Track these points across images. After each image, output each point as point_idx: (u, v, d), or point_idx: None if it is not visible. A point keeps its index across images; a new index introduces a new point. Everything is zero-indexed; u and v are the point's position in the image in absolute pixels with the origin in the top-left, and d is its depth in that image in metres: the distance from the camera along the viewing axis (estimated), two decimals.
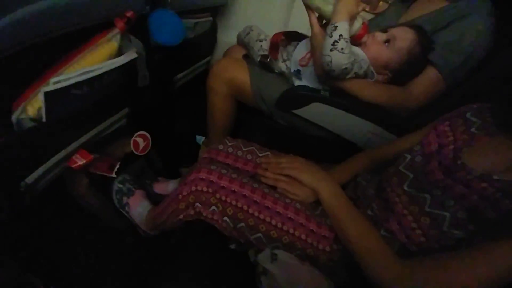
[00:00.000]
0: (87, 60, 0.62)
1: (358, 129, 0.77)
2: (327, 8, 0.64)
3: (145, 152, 0.82)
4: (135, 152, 0.79)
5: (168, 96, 0.95)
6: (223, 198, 0.49)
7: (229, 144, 0.65)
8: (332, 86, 0.74)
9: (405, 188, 0.47)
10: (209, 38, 1.17)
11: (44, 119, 0.55)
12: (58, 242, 0.70)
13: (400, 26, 0.71)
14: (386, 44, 0.69)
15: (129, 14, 0.63)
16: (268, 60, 0.83)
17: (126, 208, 0.71)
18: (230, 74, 0.82)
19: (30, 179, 0.56)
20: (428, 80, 0.68)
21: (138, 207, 0.69)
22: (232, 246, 0.50)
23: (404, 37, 0.67)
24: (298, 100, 0.77)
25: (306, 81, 0.80)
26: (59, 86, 0.54)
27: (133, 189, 0.73)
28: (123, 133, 0.79)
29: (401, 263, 0.40)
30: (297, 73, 0.80)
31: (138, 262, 0.67)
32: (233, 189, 0.49)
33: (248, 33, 0.91)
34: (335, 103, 0.73)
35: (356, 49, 0.69)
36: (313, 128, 0.82)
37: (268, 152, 0.66)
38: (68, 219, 0.73)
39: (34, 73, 0.53)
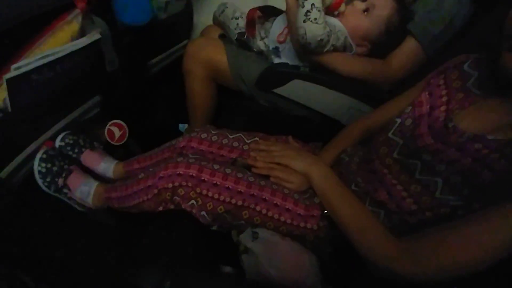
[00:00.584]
0: (48, 44, 0.58)
1: (339, 105, 0.75)
2: None
3: (122, 142, 0.78)
4: (111, 142, 0.76)
5: (143, 82, 0.90)
6: (204, 192, 0.47)
7: (214, 132, 0.62)
8: (312, 61, 0.72)
9: (395, 155, 0.45)
10: (185, 19, 1.11)
11: (9, 109, 0.52)
12: (47, 239, 0.67)
13: None
14: (365, 13, 0.67)
15: None
16: (245, 38, 0.80)
17: (64, 190, 0.61)
18: (206, 55, 0.78)
19: (3, 173, 0.53)
20: (407, 50, 0.66)
21: (81, 186, 0.61)
22: (214, 228, 0.49)
23: (383, 5, 0.66)
24: (278, 78, 0.74)
25: (285, 58, 0.77)
26: (19, 72, 0.51)
27: (66, 166, 0.62)
28: (98, 123, 0.76)
29: (396, 241, 0.38)
30: (276, 51, 0.77)
31: (121, 253, 0.65)
32: (214, 182, 0.47)
33: (223, 11, 0.87)
34: (315, 79, 0.71)
35: (333, 20, 0.67)
36: (296, 107, 0.80)
37: (256, 138, 0.63)
38: (56, 215, 0.69)
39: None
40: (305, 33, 0.61)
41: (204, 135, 0.60)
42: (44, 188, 0.62)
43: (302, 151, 0.56)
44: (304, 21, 0.60)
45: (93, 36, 0.61)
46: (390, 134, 0.48)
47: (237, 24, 0.83)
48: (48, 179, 0.60)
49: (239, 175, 0.49)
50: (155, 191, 0.48)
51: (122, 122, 0.75)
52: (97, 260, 0.67)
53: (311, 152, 0.63)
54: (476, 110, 0.41)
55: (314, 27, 0.59)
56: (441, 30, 0.64)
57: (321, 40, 0.62)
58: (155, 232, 0.50)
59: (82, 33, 0.62)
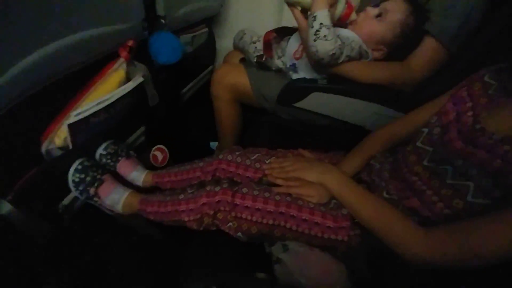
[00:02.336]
0: (99, 91, 0.69)
1: (362, 112, 0.76)
2: (307, 0, 0.65)
3: (165, 164, 0.88)
4: (155, 165, 0.86)
5: (178, 110, 1.01)
6: (238, 215, 0.51)
7: (237, 153, 0.65)
8: (329, 73, 0.75)
9: (425, 163, 0.46)
10: (208, 48, 1.22)
11: (70, 147, 0.63)
12: (98, 259, 0.76)
13: None
14: (378, 18, 0.68)
15: (130, 43, 0.70)
16: (264, 59, 0.86)
17: (95, 198, 0.66)
18: (230, 80, 0.86)
19: (66, 200, 0.63)
20: (426, 50, 0.66)
21: (111, 194, 0.65)
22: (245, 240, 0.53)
23: (396, 9, 0.66)
24: (297, 93, 0.78)
25: (303, 73, 0.81)
26: (79, 117, 0.62)
27: (99, 176, 0.67)
28: (144, 149, 0.87)
29: (423, 231, 0.40)
30: (293, 67, 0.81)
31: (167, 268, 0.72)
32: (246, 205, 0.51)
33: (241, 38, 0.94)
34: (334, 89, 0.74)
35: (345, 32, 0.69)
36: (318, 118, 0.83)
37: (274, 157, 0.65)
38: (104, 234, 0.79)
39: (55, 108, 0.61)
40: (317, 50, 0.64)
41: (229, 157, 0.64)
42: (76, 195, 0.67)
43: (314, 161, 0.58)
44: (315, 40, 0.63)
45: (138, 79, 0.72)
46: (418, 143, 0.49)
47: (255, 47, 0.90)
48: (80, 188, 0.65)
49: (266, 194, 0.52)
50: (198, 216, 0.53)
51: (163, 147, 0.85)
52: (146, 271, 0.75)
53: (332, 161, 0.64)
54: (502, 112, 0.41)
55: (325, 44, 0.63)
56: (460, 26, 0.62)
57: (333, 54, 0.64)
58: (198, 245, 0.56)
59: (127, 77, 0.74)
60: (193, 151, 1.07)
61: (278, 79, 0.84)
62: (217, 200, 0.52)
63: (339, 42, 0.64)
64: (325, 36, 0.62)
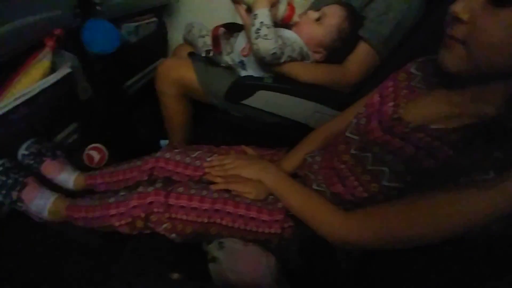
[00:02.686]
0: (22, 83, 0.62)
1: (305, 111, 0.79)
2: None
3: (102, 165, 0.81)
4: (91, 166, 0.79)
5: (121, 104, 0.94)
6: (173, 215, 0.50)
7: (177, 151, 0.63)
8: (275, 72, 0.76)
9: (352, 151, 0.48)
10: (158, 39, 1.16)
11: None
12: (26, 273, 0.68)
13: (330, 4, 0.73)
14: (318, 22, 0.71)
15: (57, 32, 0.63)
16: (212, 54, 0.84)
17: (19, 203, 0.60)
18: (176, 74, 0.82)
19: None
20: (361, 54, 0.71)
21: (36, 199, 0.60)
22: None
23: (333, 14, 0.70)
24: (244, 90, 0.78)
25: (251, 70, 0.81)
26: None
27: (21, 179, 0.61)
28: (78, 149, 0.79)
29: (345, 215, 0.43)
30: (242, 64, 0.81)
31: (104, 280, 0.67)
32: (181, 204, 0.50)
33: (190, 31, 0.91)
34: (278, 88, 0.76)
35: (287, 33, 0.71)
36: (266, 115, 0.84)
37: (216, 154, 0.64)
38: (34, 245, 0.71)
39: None
40: (258, 49, 0.65)
41: (168, 155, 0.61)
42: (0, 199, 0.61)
43: (254, 159, 0.60)
44: (256, 38, 0.64)
45: (63, 71, 0.65)
46: (347, 133, 0.52)
47: (204, 42, 0.87)
48: (3, 192, 0.60)
49: (204, 193, 0.52)
50: (129, 219, 0.51)
51: (100, 146, 0.79)
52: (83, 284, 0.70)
53: (274, 158, 0.66)
54: (421, 103, 0.44)
55: (266, 43, 0.64)
56: (391, 33, 0.68)
57: (274, 53, 0.66)
58: (131, 251, 0.54)
59: (54, 68, 0.66)
60: (142, 149, 1.01)
61: (226, 75, 0.83)
62: (149, 201, 0.50)
63: (280, 42, 0.66)
64: (265, 35, 0.63)
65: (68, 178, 0.68)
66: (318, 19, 0.71)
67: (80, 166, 0.77)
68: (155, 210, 0.50)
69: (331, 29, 0.70)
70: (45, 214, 0.61)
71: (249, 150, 0.67)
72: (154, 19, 1.08)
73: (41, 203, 0.60)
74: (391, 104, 0.47)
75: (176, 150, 0.63)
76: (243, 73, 0.82)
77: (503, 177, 0.31)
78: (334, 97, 0.77)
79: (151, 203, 0.50)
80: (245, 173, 0.56)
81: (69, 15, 0.69)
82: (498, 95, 0.36)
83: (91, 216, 0.55)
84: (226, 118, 0.91)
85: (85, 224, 0.57)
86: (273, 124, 0.88)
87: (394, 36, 0.69)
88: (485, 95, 0.37)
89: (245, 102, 0.81)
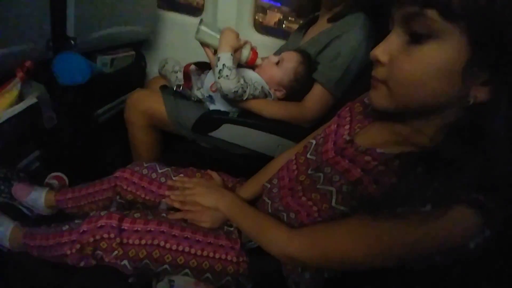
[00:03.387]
0: None
1: (269, 143, 0.84)
2: (217, 43, 0.72)
3: None
4: None
5: (88, 132, 0.94)
6: (125, 241, 0.49)
7: (145, 165, 0.66)
8: (240, 107, 0.82)
9: (309, 172, 0.49)
10: (134, 71, 1.20)
11: None
12: None
13: (288, 50, 0.82)
14: (277, 65, 0.79)
15: (27, 64, 0.66)
16: (182, 89, 0.89)
17: None
18: (145, 105, 0.85)
19: None
20: (316, 94, 0.78)
21: None
22: (131, 280, 0.51)
23: (290, 59, 0.79)
24: (210, 123, 0.83)
25: (219, 104, 0.86)
26: None
27: None
28: (40, 176, 0.77)
29: (288, 229, 0.44)
30: (210, 98, 0.86)
31: None
32: (136, 228, 0.50)
33: (164, 66, 0.97)
34: (242, 122, 0.80)
35: (250, 73, 0.78)
36: (233, 147, 0.88)
37: (181, 174, 0.67)
38: None
39: None
40: (221, 87, 0.71)
41: (136, 168, 0.64)
42: None
43: (213, 187, 0.61)
44: (218, 78, 0.70)
45: (30, 101, 0.66)
46: (308, 155, 0.53)
47: (176, 77, 0.93)
48: None
49: (163, 215, 0.53)
50: (78, 246, 0.49)
51: (61, 174, 0.77)
52: None
53: (238, 185, 0.69)
54: (371, 129, 0.47)
55: (227, 82, 0.70)
56: (342, 75, 0.77)
57: (236, 92, 0.72)
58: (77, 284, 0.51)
59: (21, 97, 0.67)
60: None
61: (194, 108, 0.87)
62: (99, 225, 0.49)
63: (242, 82, 0.72)
64: (227, 75, 0.69)
65: (39, 196, 0.68)
66: (277, 63, 0.79)
67: None
68: (105, 236, 0.49)
69: (288, 72, 0.79)
70: (6, 243, 0.59)
71: (215, 175, 0.69)
72: (132, 52, 1.14)
73: (1, 230, 0.59)
74: (347, 127, 0.50)
75: (145, 164, 0.64)
76: (212, 106, 0.87)
77: (440, 211, 0.31)
78: (295, 132, 0.83)
79: (101, 227, 0.49)
80: (203, 201, 0.57)
81: (42, 48, 0.72)
82: (434, 127, 0.36)
83: (45, 245, 0.53)
84: (194, 148, 0.94)
85: (39, 254, 0.55)
86: (240, 155, 0.91)
87: (345, 78, 0.78)
88: (423, 127, 0.38)
89: (212, 134, 0.84)
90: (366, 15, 0.76)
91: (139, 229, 0.50)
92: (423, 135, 0.37)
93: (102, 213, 0.51)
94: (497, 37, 0.29)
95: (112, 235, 0.49)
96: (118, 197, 0.65)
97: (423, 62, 0.33)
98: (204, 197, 0.58)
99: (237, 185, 0.71)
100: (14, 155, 0.72)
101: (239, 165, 0.91)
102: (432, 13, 0.30)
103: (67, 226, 0.54)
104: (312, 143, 0.54)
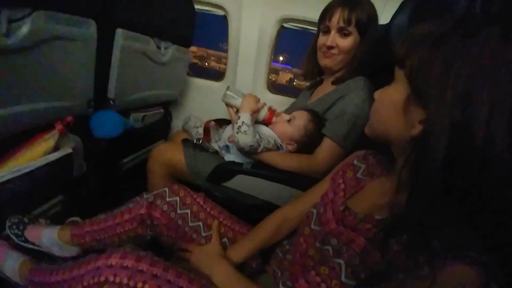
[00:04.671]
0: (24, 157, 0.70)
1: (281, 194, 0.85)
2: (239, 105, 0.83)
3: None
4: None
5: (112, 180, 1.01)
6: (139, 285, 0.46)
7: (167, 200, 0.65)
8: (254, 159, 0.86)
9: (317, 245, 0.48)
10: (162, 126, 1.34)
11: None
12: None
13: (299, 109, 0.91)
14: (289, 122, 0.86)
15: (68, 119, 0.75)
16: (201, 142, 0.97)
17: None
18: (167, 156, 0.92)
19: None
20: (325, 148, 0.82)
21: (6, 261, 0.61)
22: None
23: (301, 117, 0.86)
24: (225, 174, 0.86)
25: (234, 155, 0.91)
26: None
27: None
28: (58, 220, 0.80)
29: None
30: (227, 148, 0.92)
31: None
32: (141, 268, 0.47)
33: (187, 122, 1.08)
34: (256, 173, 0.84)
35: (264, 129, 0.85)
36: (246, 197, 0.89)
37: (199, 223, 0.67)
38: None
39: None
40: (238, 141, 0.78)
41: (159, 201, 0.64)
42: None
43: (207, 254, 0.60)
44: (237, 133, 0.78)
45: (64, 151, 0.74)
46: (312, 226, 0.51)
47: (197, 131, 1.03)
48: None
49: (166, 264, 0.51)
50: (84, 283, 0.46)
51: (79, 219, 0.80)
52: None
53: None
54: (366, 193, 0.47)
55: (244, 137, 0.77)
56: (349, 129, 0.81)
57: (252, 146, 0.78)
58: None
59: (57, 147, 0.74)
60: None
61: (211, 160, 0.92)
62: (109, 263, 0.46)
63: (257, 137, 0.79)
64: (245, 131, 0.77)
65: (52, 232, 0.66)
66: (289, 120, 0.86)
67: None
68: (111, 279, 0.45)
69: (299, 128, 0.85)
70: (16, 277, 0.59)
71: (216, 240, 0.65)
72: (161, 110, 1.29)
73: (10, 264, 0.60)
74: (341, 194, 0.51)
75: (168, 199, 0.65)
76: (227, 156, 0.92)
77: (435, 270, 0.30)
78: (307, 183, 0.84)
79: (110, 266, 0.46)
80: (199, 267, 0.57)
81: (83, 105, 0.83)
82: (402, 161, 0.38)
83: (47, 281, 0.52)
84: (208, 197, 0.96)
85: None
86: (252, 206, 0.91)
87: (352, 132, 0.82)
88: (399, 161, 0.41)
89: (226, 184, 0.87)
90: (365, 78, 0.85)
91: (158, 274, 0.47)
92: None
93: (114, 249, 0.49)
94: (425, 83, 0.34)
95: (117, 280, 0.45)
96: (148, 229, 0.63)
97: (385, 99, 0.42)
98: (200, 263, 0.58)
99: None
100: (39, 199, 0.78)
101: (251, 215, 0.90)
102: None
103: (71, 262, 0.53)
104: (313, 212, 0.54)
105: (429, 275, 0.30)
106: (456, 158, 0.31)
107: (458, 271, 0.30)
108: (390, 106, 0.40)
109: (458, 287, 0.30)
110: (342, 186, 0.52)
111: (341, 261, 0.41)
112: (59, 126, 0.72)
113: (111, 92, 0.88)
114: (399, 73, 0.39)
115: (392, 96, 0.39)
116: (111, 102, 0.89)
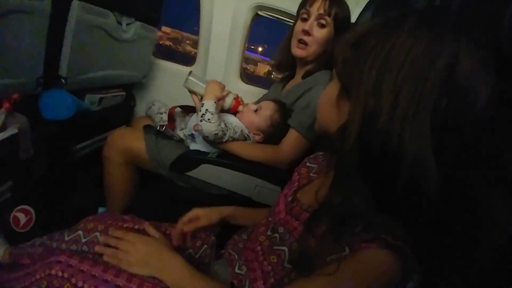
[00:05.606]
0: None
1: (246, 184, 0.85)
2: (203, 92, 0.81)
3: (26, 229, 0.74)
4: (16, 229, 0.72)
5: (63, 167, 0.93)
6: (79, 284, 0.46)
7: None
8: (219, 149, 0.85)
9: (268, 233, 0.50)
10: (123, 110, 1.25)
11: None
12: None
13: (266, 100, 0.90)
14: (256, 112, 0.86)
15: (15, 96, 0.67)
16: (164, 129, 0.92)
17: None
18: (125, 142, 0.87)
19: None
20: (290, 138, 0.84)
21: None
22: None
23: (267, 107, 0.86)
24: (189, 163, 0.84)
25: (200, 144, 0.89)
26: None
27: None
28: (7, 208, 0.73)
29: None
30: (192, 137, 0.89)
31: None
32: (89, 271, 0.47)
33: (150, 107, 1.02)
34: (221, 163, 0.82)
35: (231, 118, 0.84)
36: (210, 187, 0.88)
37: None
38: None
39: None
40: (202, 129, 0.76)
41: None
42: None
43: (155, 251, 0.50)
44: (201, 120, 0.75)
45: (10, 131, 0.67)
46: (270, 218, 0.53)
47: (161, 118, 0.97)
48: None
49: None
50: (33, 278, 0.47)
51: (29, 208, 0.73)
52: None
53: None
54: (313, 185, 0.50)
55: (208, 125, 0.75)
56: (313, 121, 0.83)
57: (216, 134, 0.77)
58: None
59: (3, 128, 0.68)
60: (77, 215, 0.94)
61: (174, 148, 0.89)
62: (58, 259, 0.47)
63: (222, 125, 0.77)
64: (209, 119, 0.75)
65: None
66: (256, 110, 0.86)
67: (5, 227, 0.69)
68: (59, 274, 0.46)
69: (265, 118, 0.86)
70: None
71: (154, 232, 0.57)
72: (122, 93, 1.20)
73: None
74: (294, 188, 0.54)
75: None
76: (193, 145, 0.90)
77: (355, 252, 0.34)
78: (272, 173, 0.85)
79: (58, 262, 0.47)
80: (135, 271, 0.47)
81: (32, 83, 0.75)
82: None
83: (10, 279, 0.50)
84: (171, 187, 0.93)
85: None
86: (217, 196, 0.90)
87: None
88: None
89: (190, 173, 0.85)
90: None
91: (96, 274, 0.46)
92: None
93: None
94: (348, 78, 0.38)
95: (65, 275, 0.46)
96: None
97: (324, 95, 0.44)
98: (136, 267, 0.48)
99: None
100: None
101: (215, 205, 0.89)
102: None
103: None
104: (273, 207, 0.56)
105: (348, 255, 0.34)
106: (366, 144, 0.34)
107: (374, 252, 0.33)
108: (328, 101, 0.42)
109: (379, 269, 0.33)
110: (296, 183, 0.56)
111: (285, 248, 0.44)
112: (5, 105, 0.64)
113: (63, 69, 0.79)
114: (334, 71, 0.42)
115: (329, 92, 0.43)
116: (63, 81, 0.80)
